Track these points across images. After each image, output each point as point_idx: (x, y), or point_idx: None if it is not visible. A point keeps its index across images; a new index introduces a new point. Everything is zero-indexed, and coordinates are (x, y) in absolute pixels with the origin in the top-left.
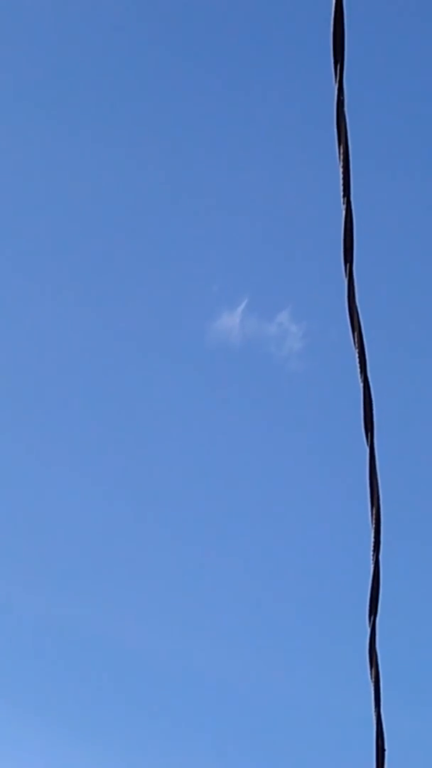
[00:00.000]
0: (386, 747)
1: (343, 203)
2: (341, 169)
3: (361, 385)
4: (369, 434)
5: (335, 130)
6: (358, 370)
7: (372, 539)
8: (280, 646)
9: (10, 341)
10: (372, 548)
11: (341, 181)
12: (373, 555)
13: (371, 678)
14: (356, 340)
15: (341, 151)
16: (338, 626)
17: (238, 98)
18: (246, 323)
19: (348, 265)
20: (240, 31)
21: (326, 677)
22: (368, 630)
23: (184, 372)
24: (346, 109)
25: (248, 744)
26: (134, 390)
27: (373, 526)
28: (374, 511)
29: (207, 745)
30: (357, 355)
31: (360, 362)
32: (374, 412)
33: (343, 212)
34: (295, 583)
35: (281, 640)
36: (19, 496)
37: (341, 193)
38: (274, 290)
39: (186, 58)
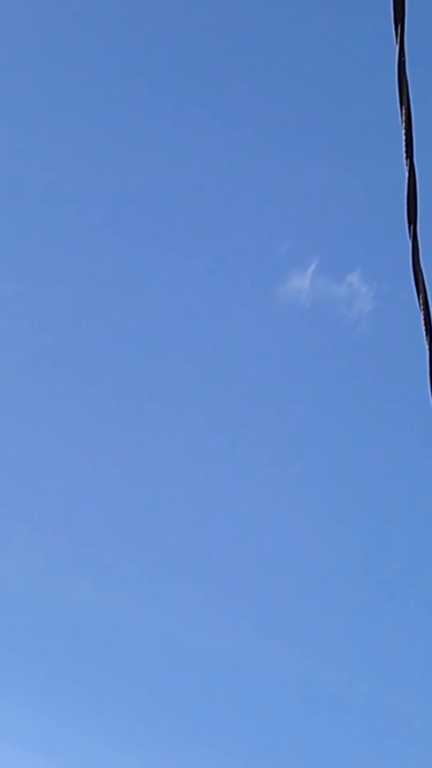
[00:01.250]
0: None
1: (406, 165)
2: (403, 131)
3: (428, 347)
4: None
5: (397, 91)
6: (424, 332)
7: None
8: (285, 628)
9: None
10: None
11: (404, 143)
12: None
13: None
14: (421, 302)
15: (403, 112)
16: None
17: (300, 58)
18: (316, 285)
19: (412, 226)
20: None
21: (329, 660)
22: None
23: (256, 333)
24: (407, 70)
25: (256, 726)
26: (208, 358)
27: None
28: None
29: (212, 734)
30: (422, 317)
31: (426, 325)
32: None
33: (406, 173)
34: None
35: (285, 622)
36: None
37: (404, 155)
38: (344, 251)
39: (250, 21)
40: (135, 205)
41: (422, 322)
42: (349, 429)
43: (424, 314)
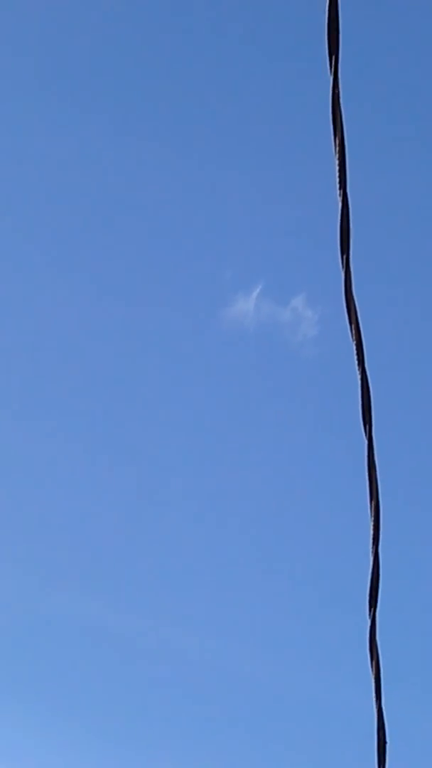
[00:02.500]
0: (387, 740)
1: (339, 195)
2: (337, 162)
3: (359, 377)
4: (367, 426)
5: (331, 122)
6: (356, 362)
7: (371, 532)
8: (281, 639)
9: (15, 334)
10: (371, 541)
11: (337, 174)
12: (372, 548)
13: (372, 670)
14: (353, 332)
15: (337, 143)
16: (339, 619)
17: (243, 85)
18: (261, 309)
19: (344, 256)
20: (237, 22)
21: (327, 669)
22: (368, 622)
23: (199, 357)
24: (341, 101)
25: (250, 736)
26: (146, 378)
27: (372, 518)
28: (373, 504)
29: (211, 739)
30: (354, 347)
31: (357, 354)
32: (372, 404)
33: (339, 204)
34: (295, 575)
35: (282, 632)
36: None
37: (337, 185)
38: (288, 275)
39: (183, 50)
40: (72, 228)
41: (354, 352)
42: (290, 453)
43: (356, 344)
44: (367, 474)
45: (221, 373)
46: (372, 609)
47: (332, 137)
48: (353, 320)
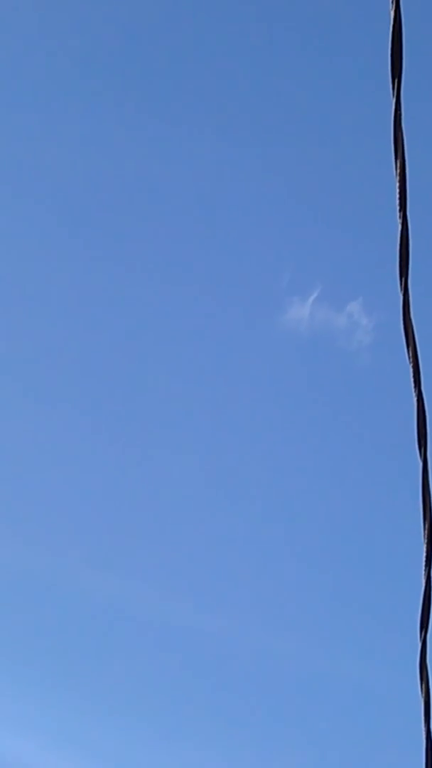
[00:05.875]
0: None
1: (399, 217)
2: (398, 184)
3: (415, 399)
4: (423, 449)
5: (392, 144)
6: (412, 384)
7: (425, 553)
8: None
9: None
10: (424, 562)
11: (398, 196)
12: (425, 570)
13: (422, 693)
14: (411, 354)
15: (398, 165)
16: (392, 642)
17: (307, 97)
18: (316, 314)
19: (403, 279)
20: (302, 40)
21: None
22: (419, 645)
23: (253, 363)
24: (403, 123)
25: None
26: (204, 382)
27: (426, 540)
28: (427, 525)
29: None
30: (411, 369)
31: (414, 377)
32: (428, 426)
33: (399, 226)
34: (348, 590)
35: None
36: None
37: (397, 207)
38: (346, 279)
39: (247, 62)
40: (133, 229)
41: (411, 374)
42: (344, 461)
43: (413, 367)
44: (421, 497)
45: (274, 379)
46: (423, 631)
47: (393, 159)
48: (410, 343)
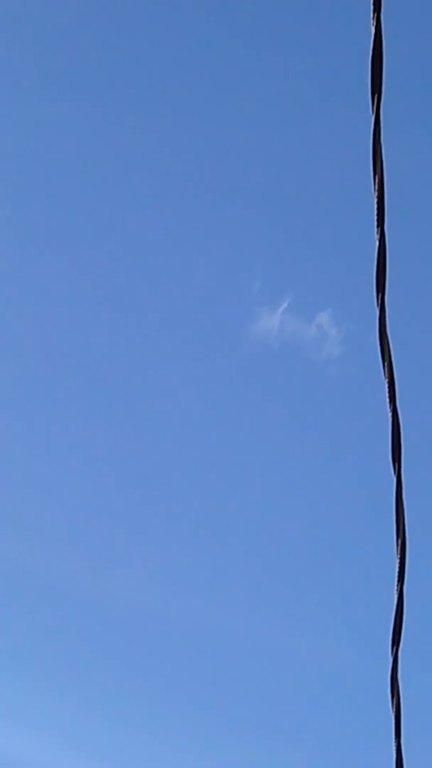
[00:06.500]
0: None
1: (377, 233)
2: (376, 200)
3: (390, 415)
4: (396, 464)
5: (371, 160)
6: (387, 400)
7: (397, 569)
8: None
9: (53, 343)
10: (397, 578)
11: (375, 212)
12: (397, 585)
13: (392, 708)
14: (386, 370)
15: (376, 180)
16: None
17: (280, 108)
18: (286, 325)
19: (380, 295)
20: (281, 56)
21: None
22: (390, 660)
23: (222, 372)
24: (382, 140)
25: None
26: (169, 391)
27: (399, 556)
28: (400, 541)
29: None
30: (387, 385)
31: (389, 393)
32: (402, 442)
33: (377, 242)
34: (316, 607)
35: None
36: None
37: (375, 223)
38: (316, 291)
39: (218, 84)
40: (99, 237)
41: (386, 390)
42: (312, 471)
43: (388, 383)
44: (394, 511)
45: (243, 389)
46: (395, 647)
47: (372, 174)
48: (386, 359)
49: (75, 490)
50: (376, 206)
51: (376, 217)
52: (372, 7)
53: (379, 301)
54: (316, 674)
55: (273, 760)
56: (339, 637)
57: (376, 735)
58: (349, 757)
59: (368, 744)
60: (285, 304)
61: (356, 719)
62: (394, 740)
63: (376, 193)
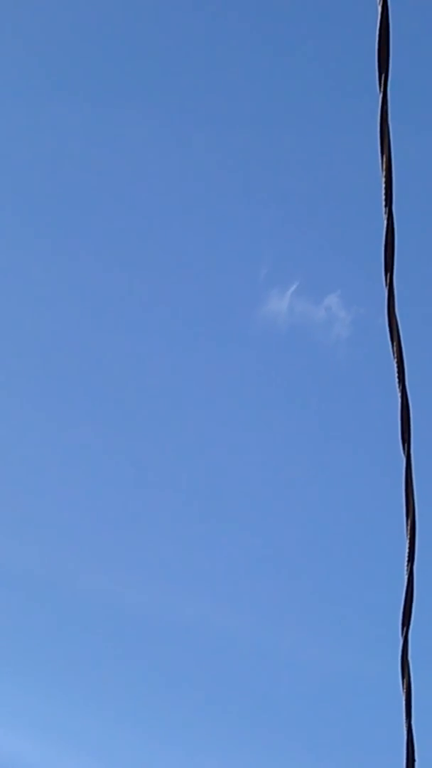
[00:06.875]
0: (416, 758)
1: (385, 213)
2: (383, 180)
3: (399, 395)
4: (406, 445)
5: (378, 139)
6: (396, 380)
7: (407, 550)
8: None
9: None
10: (407, 559)
11: (383, 192)
12: (407, 566)
13: (403, 689)
14: (395, 350)
15: (384, 160)
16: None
17: (289, 91)
18: (294, 307)
19: (388, 275)
20: (289, 34)
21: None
22: (401, 641)
23: (231, 355)
24: (390, 119)
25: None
26: (180, 374)
27: (408, 536)
28: (410, 522)
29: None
30: (395, 365)
31: (398, 373)
32: (411, 422)
33: (385, 222)
34: (326, 590)
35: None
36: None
37: (383, 204)
38: (324, 273)
39: (221, 66)
40: (110, 222)
41: (395, 370)
42: (322, 454)
43: (397, 363)
44: (404, 491)
45: (252, 372)
46: (405, 628)
47: (379, 155)
48: (395, 339)
49: (75, 490)
50: (384, 186)
51: (384, 197)
52: None
53: (388, 282)
54: (316, 674)
55: (273, 760)
56: (339, 637)
57: (376, 735)
58: (349, 757)
59: (368, 744)
60: (294, 287)
61: (356, 719)
62: (404, 721)
63: (384, 173)
